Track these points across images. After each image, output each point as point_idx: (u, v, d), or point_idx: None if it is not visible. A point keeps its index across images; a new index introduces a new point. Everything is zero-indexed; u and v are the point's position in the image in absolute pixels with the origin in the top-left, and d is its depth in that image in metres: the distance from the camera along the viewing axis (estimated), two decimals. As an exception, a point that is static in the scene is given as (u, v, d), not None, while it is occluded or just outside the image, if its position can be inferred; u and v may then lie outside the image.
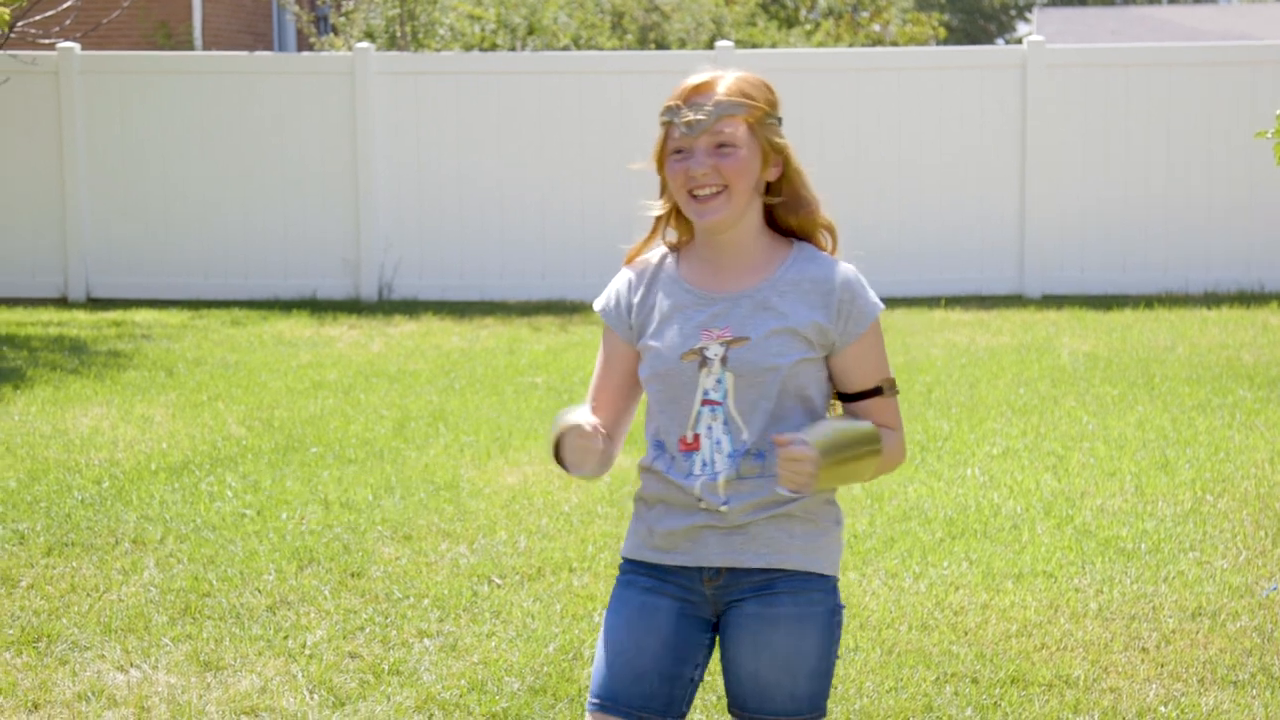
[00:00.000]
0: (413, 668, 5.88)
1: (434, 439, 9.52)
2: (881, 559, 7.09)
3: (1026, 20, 55.71)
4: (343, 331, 14.05)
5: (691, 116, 3.53)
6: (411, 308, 15.57)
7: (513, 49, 24.12)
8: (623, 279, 3.72)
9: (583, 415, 3.54)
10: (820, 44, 30.93)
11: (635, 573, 3.70)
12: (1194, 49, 16.56)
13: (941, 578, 6.83)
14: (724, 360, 3.54)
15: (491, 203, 16.10)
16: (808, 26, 32.82)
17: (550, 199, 16.16)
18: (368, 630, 6.26)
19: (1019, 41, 47.84)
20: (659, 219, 3.72)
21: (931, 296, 15.83)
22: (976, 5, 58.93)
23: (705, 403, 3.56)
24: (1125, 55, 16.39)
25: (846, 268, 3.63)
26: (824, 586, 3.63)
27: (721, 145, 3.53)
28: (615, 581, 3.74)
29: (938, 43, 35.89)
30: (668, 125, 3.59)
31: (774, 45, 29.08)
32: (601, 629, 3.71)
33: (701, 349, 3.55)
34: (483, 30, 24.22)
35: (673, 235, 3.72)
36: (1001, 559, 7.07)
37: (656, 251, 3.73)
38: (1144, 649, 6.05)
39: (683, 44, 28.40)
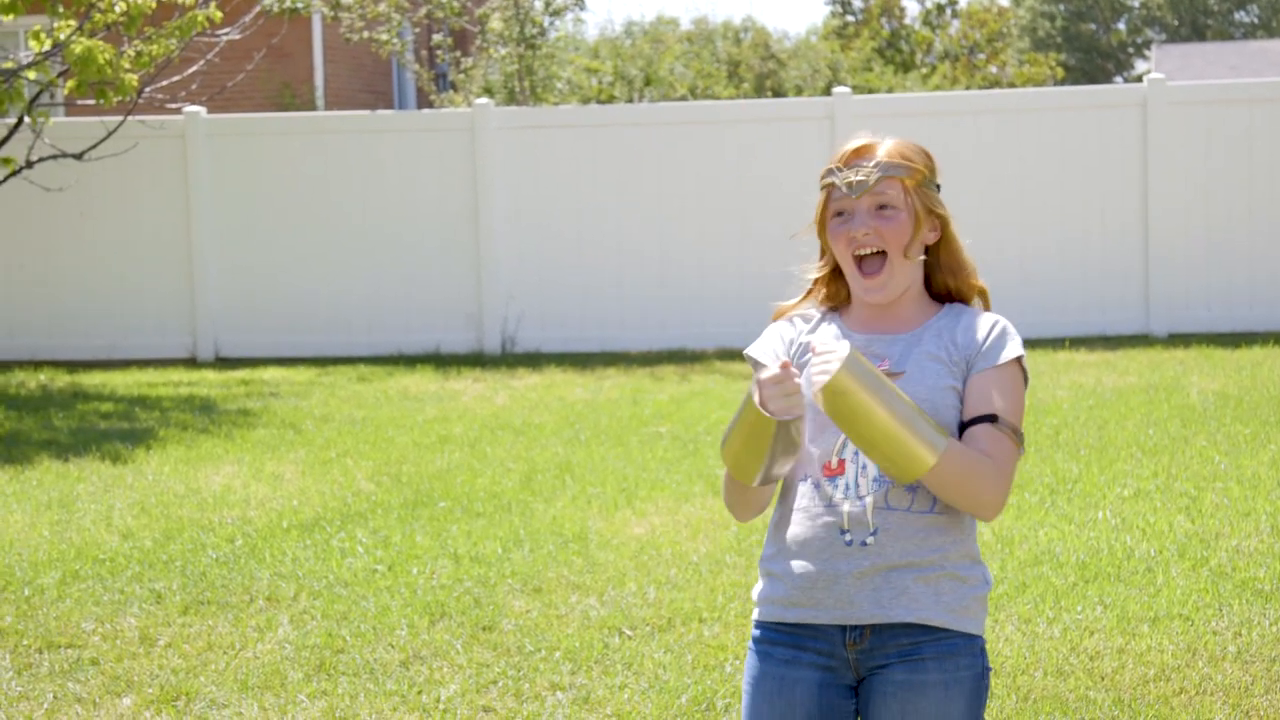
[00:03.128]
0: (546, 721, 5.90)
1: (561, 491, 9.55)
2: (1014, 604, 7.03)
3: (1145, 58, 55.32)
4: (467, 385, 14.15)
5: (854, 178, 3.53)
6: (534, 360, 15.65)
7: (630, 100, 24.29)
8: (783, 324, 3.68)
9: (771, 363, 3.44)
10: (937, 87, 30.85)
11: (771, 642, 3.57)
12: (1318, 82, 16.37)
13: (1076, 622, 6.76)
14: None
15: (611, 253, 16.17)
16: (924, 70, 32.74)
17: (669, 249, 16.20)
18: (500, 684, 6.28)
19: (1138, 79, 47.44)
20: (815, 281, 3.69)
21: (1055, 338, 15.69)
22: (1094, 44, 58.61)
23: None
24: (1249, 91, 16.21)
25: (998, 316, 3.60)
26: (972, 649, 3.51)
27: (882, 207, 3.53)
28: (749, 649, 3.62)
29: (1055, 83, 35.68)
30: (829, 188, 3.58)
31: (890, 90, 29.04)
32: (743, 705, 3.61)
33: None
34: (599, 83, 24.42)
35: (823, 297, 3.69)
36: (1136, 602, 6.99)
37: (810, 309, 3.70)
38: (1286, 693, 5.95)
39: (799, 90, 28.46)
